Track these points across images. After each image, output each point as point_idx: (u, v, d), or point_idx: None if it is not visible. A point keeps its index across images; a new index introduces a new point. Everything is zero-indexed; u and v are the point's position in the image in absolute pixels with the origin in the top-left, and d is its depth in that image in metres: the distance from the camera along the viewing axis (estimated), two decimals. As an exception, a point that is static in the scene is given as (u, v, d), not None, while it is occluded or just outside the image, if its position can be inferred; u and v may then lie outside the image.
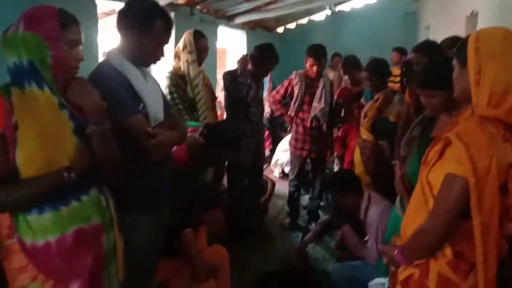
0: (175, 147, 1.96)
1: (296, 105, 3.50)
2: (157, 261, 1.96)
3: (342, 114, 4.07)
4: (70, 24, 1.25)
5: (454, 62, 1.30)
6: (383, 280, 1.87)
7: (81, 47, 1.31)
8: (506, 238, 1.20)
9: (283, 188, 4.33)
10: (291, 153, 3.77)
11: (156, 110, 1.73)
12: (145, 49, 1.62)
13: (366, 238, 2.55)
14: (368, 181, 3.15)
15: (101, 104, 1.28)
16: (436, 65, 1.71)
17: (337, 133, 4.15)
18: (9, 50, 1.19)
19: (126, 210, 1.59)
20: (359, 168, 3.24)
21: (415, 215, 1.28)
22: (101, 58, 2.24)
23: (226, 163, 2.98)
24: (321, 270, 2.98)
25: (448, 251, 1.20)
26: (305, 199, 4.20)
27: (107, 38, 3.31)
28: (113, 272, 1.37)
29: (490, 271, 1.16)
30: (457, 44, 1.33)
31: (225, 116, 3.42)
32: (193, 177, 2.38)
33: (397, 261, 1.33)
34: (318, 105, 3.42)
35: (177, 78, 2.65)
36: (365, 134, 3.17)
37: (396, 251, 1.33)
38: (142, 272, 1.79)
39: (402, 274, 1.33)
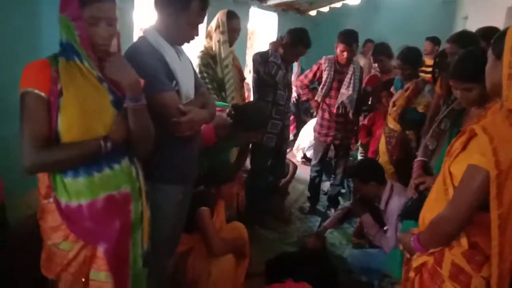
0: (203, 126, 2.03)
1: (323, 91, 3.49)
2: (181, 233, 2.07)
3: (370, 102, 4.04)
4: (91, 2, 1.23)
5: (489, 53, 1.28)
6: None
7: (113, 24, 1.30)
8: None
9: (304, 172, 4.36)
10: (315, 138, 3.78)
11: (188, 88, 1.79)
12: (180, 28, 1.67)
13: (385, 228, 2.57)
14: (391, 170, 3.14)
15: (138, 81, 1.33)
16: (474, 57, 1.67)
17: (363, 121, 4.12)
18: (60, 28, 1.29)
19: (156, 180, 1.70)
20: (383, 158, 3.23)
21: (434, 204, 1.30)
22: (136, 36, 2.31)
23: (251, 143, 3.03)
24: (337, 255, 3.03)
25: (464, 241, 1.22)
26: (326, 185, 4.22)
27: (144, 16, 3.37)
28: (138, 240, 1.44)
29: (504, 264, 1.17)
30: (491, 35, 1.31)
31: (252, 98, 3.46)
32: (217, 156, 2.46)
33: (413, 248, 1.36)
34: (346, 92, 3.40)
35: (208, 58, 2.69)
36: (392, 124, 3.14)
37: (413, 238, 1.36)
38: (168, 242, 1.90)
39: (416, 261, 1.36)
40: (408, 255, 1.45)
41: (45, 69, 1.26)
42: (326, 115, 3.56)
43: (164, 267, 1.97)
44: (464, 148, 1.21)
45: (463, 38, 2.42)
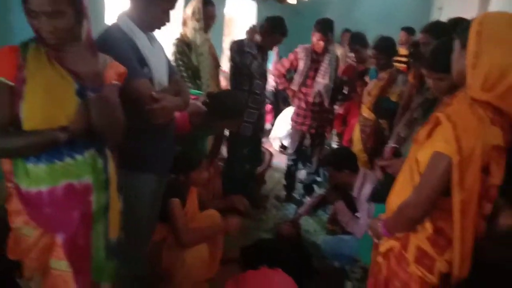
0: (177, 114, 2.01)
1: (300, 80, 3.50)
2: (156, 222, 2.06)
3: (345, 92, 4.09)
4: None
5: (456, 42, 1.31)
6: None
7: (58, 17, 1.23)
8: (484, 217, 1.26)
9: (281, 161, 4.40)
10: (291, 127, 3.81)
11: (161, 75, 1.77)
12: (152, 14, 1.65)
13: (358, 215, 2.64)
14: (365, 159, 3.22)
15: (97, 71, 1.31)
16: (446, 48, 1.70)
17: (338, 110, 4.17)
18: None
19: (130, 169, 1.69)
20: (357, 146, 3.29)
21: (401, 190, 1.34)
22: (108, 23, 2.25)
23: (228, 132, 3.03)
24: (311, 241, 3.08)
25: (428, 226, 1.27)
26: (302, 173, 4.27)
27: (116, 2, 3.28)
28: (100, 231, 1.42)
29: (466, 247, 1.23)
30: (460, 26, 1.34)
31: (229, 87, 3.44)
32: (192, 144, 2.44)
33: (380, 233, 1.40)
34: (321, 81, 3.42)
35: (183, 45, 2.65)
36: (366, 113, 3.20)
37: (380, 224, 1.40)
38: (143, 231, 1.89)
39: (383, 246, 1.41)
40: (376, 240, 1.49)
41: (12, 56, 1.24)
42: (302, 104, 3.58)
43: (139, 256, 1.96)
44: (429, 135, 1.25)
45: (436, 28, 2.47)
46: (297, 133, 3.71)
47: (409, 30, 5.07)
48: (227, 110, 2.31)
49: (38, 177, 1.30)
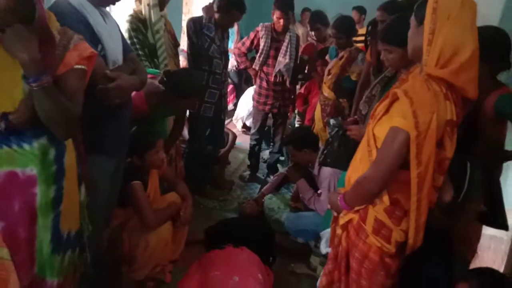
0: (133, 94, 1.93)
1: (261, 59, 3.47)
2: (115, 206, 2.00)
3: (306, 71, 4.11)
4: None
5: (412, 19, 1.34)
6: None
7: None
8: (436, 189, 1.32)
9: (244, 141, 4.39)
10: (253, 107, 3.79)
11: (115, 53, 1.69)
12: None
13: (319, 192, 2.69)
14: (326, 137, 3.26)
15: (36, 57, 1.17)
16: (397, 22, 1.75)
17: (299, 89, 4.19)
18: None
19: (86, 151, 1.61)
20: (319, 125, 3.34)
21: (359, 165, 1.38)
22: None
23: (188, 113, 2.96)
24: (275, 219, 3.12)
25: (385, 198, 1.31)
26: (265, 153, 4.30)
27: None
28: (47, 224, 1.34)
29: (421, 218, 1.29)
30: (414, 4, 1.37)
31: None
32: (151, 125, 2.37)
33: (340, 206, 1.44)
34: (282, 60, 3.41)
35: (138, 22, 2.53)
36: (326, 92, 3.23)
37: (339, 197, 1.44)
38: (102, 214, 1.82)
39: (343, 219, 1.45)
40: (335, 214, 1.53)
41: None
42: (264, 84, 3.57)
43: (99, 240, 1.91)
44: (387, 111, 1.28)
45: (392, 5, 2.52)
46: (259, 113, 3.71)
47: (359, 10, 5.15)
48: (184, 89, 2.24)
49: None
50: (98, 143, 1.67)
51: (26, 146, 1.25)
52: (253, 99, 3.75)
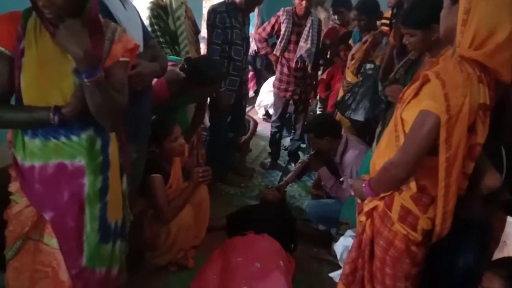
0: (154, 81, 1.94)
1: (282, 44, 3.42)
2: (136, 193, 2.02)
3: (328, 56, 4.02)
4: None
5: None
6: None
7: None
8: (466, 176, 1.27)
9: (266, 129, 4.37)
10: (274, 94, 3.75)
11: (135, 40, 1.68)
12: None
13: (341, 180, 2.66)
14: (348, 124, 3.20)
15: (90, 52, 1.16)
16: (417, 4, 1.68)
17: (322, 75, 4.12)
18: None
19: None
20: (341, 111, 3.27)
21: (385, 151, 1.33)
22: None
23: (209, 100, 2.95)
24: (296, 206, 3.12)
25: (412, 185, 1.27)
26: (286, 140, 4.27)
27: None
28: (95, 214, 1.37)
29: (448, 205, 1.24)
30: None
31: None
32: (173, 113, 2.38)
33: (364, 193, 1.40)
34: (304, 45, 3.35)
35: (158, 9, 2.51)
36: (350, 77, 3.15)
37: (364, 184, 1.40)
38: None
39: (367, 206, 1.41)
40: (359, 201, 1.50)
41: (12, 24, 1.18)
42: (285, 70, 3.51)
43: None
44: (416, 94, 1.23)
45: None
46: (280, 100, 3.66)
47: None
48: (205, 76, 2.23)
49: (32, 152, 1.27)
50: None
51: (74, 138, 1.28)
52: (274, 85, 3.70)
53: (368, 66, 2.13)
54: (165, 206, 2.12)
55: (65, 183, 1.30)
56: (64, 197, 1.30)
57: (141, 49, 1.71)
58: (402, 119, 1.27)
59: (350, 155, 2.53)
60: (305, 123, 3.73)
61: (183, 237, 2.20)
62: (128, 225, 1.58)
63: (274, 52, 3.51)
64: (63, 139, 1.27)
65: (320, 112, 4.30)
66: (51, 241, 1.33)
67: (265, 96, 5.08)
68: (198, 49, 2.95)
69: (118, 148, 1.44)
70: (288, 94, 3.58)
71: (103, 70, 1.22)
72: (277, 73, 3.63)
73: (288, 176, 3.14)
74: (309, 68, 3.48)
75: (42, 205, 1.30)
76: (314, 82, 3.82)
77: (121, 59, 1.30)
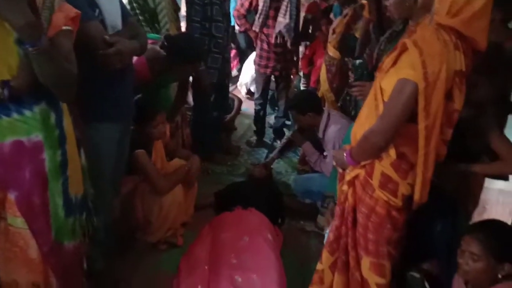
0: (135, 60, 1.91)
1: (260, 20, 3.37)
2: (123, 172, 2.02)
3: (310, 31, 4.01)
4: None
5: None
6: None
7: None
8: (445, 143, 1.31)
9: (250, 107, 4.37)
10: (255, 71, 3.73)
11: (114, 18, 1.66)
12: None
13: (324, 154, 2.70)
14: (332, 99, 3.23)
15: (32, 21, 1.13)
16: None
17: (304, 51, 4.11)
18: None
19: (90, 119, 1.63)
20: (324, 86, 3.29)
21: (366, 120, 1.36)
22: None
23: (191, 79, 2.93)
24: (282, 182, 3.16)
25: (392, 152, 1.30)
26: (271, 118, 4.28)
27: None
28: (58, 189, 1.36)
29: (428, 171, 1.28)
30: None
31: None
32: (156, 92, 2.36)
33: (346, 162, 1.44)
34: (283, 20, 3.31)
35: (136, -14, 2.47)
36: (332, 51, 3.16)
37: (345, 153, 1.43)
38: (111, 182, 1.85)
39: (349, 175, 1.45)
40: (341, 170, 1.53)
41: None
42: (265, 46, 3.49)
43: (110, 208, 1.94)
44: (395, 63, 1.25)
45: None
46: (261, 77, 3.65)
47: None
48: (185, 54, 2.20)
49: None
50: (101, 110, 1.68)
51: (27, 113, 1.25)
52: (254, 62, 3.68)
53: (358, 62, 2.14)
54: (158, 177, 2.14)
55: (25, 161, 1.27)
56: (26, 175, 1.28)
57: (119, 27, 1.68)
58: (381, 88, 1.29)
59: (332, 130, 2.57)
60: (288, 99, 3.74)
61: (175, 213, 2.23)
62: (89, 199, 1.57)
63: (253, 28, 3.47)
64: (15, 115, 1.23)
65: (303, 88, 4.31)
66: (15, 221, 1.31)
67: (246, 74, 5.05)
68: (178, 27, 2.90)
69: (72, 122, 1.42)
70: (269, 70, 3.56)
71: (47, 38, 1.19)
72: (257, 49, 3.60)
73: (274, 152, 3.18)
74: (288, 44, 3.45)
75: (5, 186, 1.28)
76: (295, 58, 3.80)
77: (64, 28, 1.26)
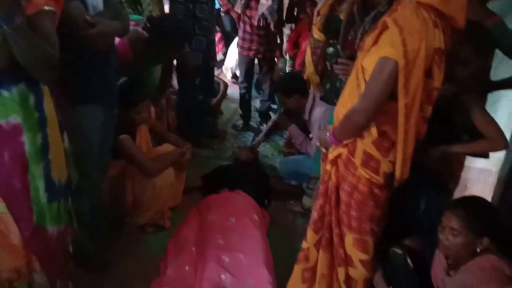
0: (117, 41, 1.88)
1: (243, 1, 3.34)
2: (109, 155, 2.00)
3: (295, 13, 3.98)
4: None
5: None
6: None
7: None
8: (425, 120, 1.33)
9: (236, 91, 4.34)
10: (238, 53, 3.70)
11: (96, -2, 1.62)
12: None
13: (310, 136, 2.72)
14: (317, 81, 3.22)
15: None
16: None
17: (290, 33, 4.09)
18: None
19: (73, 102, 1.61)
20: (309, 69, 3.26)
21: (348, 99, 1.37)
22: None
23: (176, 62, 2.90)
24: (269, 165, 3.19)
25: (373, 131, 1.32)
26: (257, 102, 4.28)
27: None
28: (39, 173, 1.34)
29: (408, 148, 1.31)
30: None
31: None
32: (139, 75, 2.33)
33: (329, 142, 1.46)
34: (265, 2, 3.28)
35: (117, -34, 2.41)
36: (316, 34, 3.13)
37: (329, 133, 1.45)
38: (96, 165, 1.84)
39: (332, 154, 1.47)
40: (324, 150, 1.55)
41: None
42: (248, 28, 3.46)
43: (96, 191, 1.93)
44: (376, 41, 1.26)
45: None
46: (244, 59, 3.63)
47: None
48: (168, 34, 2.18)
49: None
50: (84, 92, 1.66)
51: (5, 93, 1.22)
52: (238, 44, 3.65)
53: (331, 50, 2.14)
54: (145, 160, 2.14)
55: (3, 144, 1.25)
56: (5, 158, 1.25)
57: (101, 7, 1.65)
58: (362, 67, 1.30)
59: (317, 112, 2.59)
60: (272, 83, 3.73)
61: (166, 193, 2.24)
62: (73, 184, 1.56)
63: (235, 9, 3.44)
64: None
65: (289, 71, 4.30)
66: None
67: (233, 58, 5.01)
68: (162, 8, 2.86)
69: (54, 105, 1.39)
70: (252, 53, 3.54)
71: (24, 16, 1.15)
72: (240, 31, 3.57)
73: (260, 135, 3.19)
74: (272, 26, 3.43)
75: None
76: (280, 41, 3.78)
77: (46, 8, 1.23)
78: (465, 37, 1.35)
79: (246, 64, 3.63)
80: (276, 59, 3.88)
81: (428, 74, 1.24)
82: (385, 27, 1.22)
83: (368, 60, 1.27)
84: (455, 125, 1.61)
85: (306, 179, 2.52)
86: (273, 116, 3.93)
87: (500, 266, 1.24)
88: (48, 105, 1.35)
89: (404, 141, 1.29)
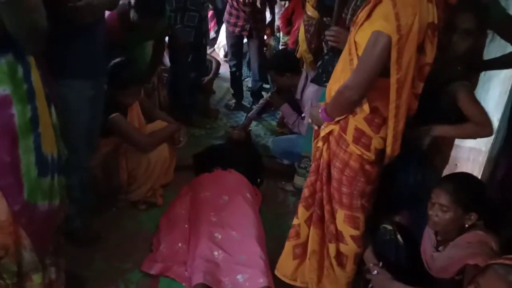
0: (106, 15, 1.84)
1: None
2: (98, 131, 1.98)
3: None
4: None
5: None
6: None
7: None
8: (416, 96, 1.33)
9: (228, 70, 4.30)
10: (226, 28, 3.64)
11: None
12: None
13: (302, 115, 2.71)
14: (311, 59, 3.19)
15: None
16: None
17: (283, 11, 4.03)
18: None
19: (61, 76, 1.57)
20: (302, 46, 3.23)
21: (341, 75, 1.36)
22: None
23: (167, 39, 2.84)
24: (261, 144, 3.19)
25: (365, 107, 1.32)
26: (250, 81, 4.24)
27: None
28: (29, 146, 1.30)
29: (399, 124, 1.31)
30: None
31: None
32: (131, 51, 2.29)
33: (321, 118, 1.45)
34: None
35: None
36: (310, 11, 3.09)
37: (321, 110, 1.44)
38: (85, 140, 1.82)
39: (323, 131, 1.46)
40: (316, 127, 1.55)
41: None
42: (234, 3, 3.39)
43: (85, 166, 1.92)
44: (369, 16, 1.24)
45: None
46: (230, 35, 3.57)
47: None
48: (153, 5, 2.12)
49: None
50: (72, 66, 1.63)
51: None
52: (224, 19, 3.59)
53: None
54: (139, 134, 2.14)
55: None
56: None
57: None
58: (355, 42, 1.28)
59: (310, 90, 2.57)
60: (264, 61, 3.68)
61: (160, 168, 2.25)
62: (63, 159, 1.53)
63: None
64: None
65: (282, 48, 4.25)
66: None
67: (224, 36, 4.92)
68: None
69: (40, 77, 1.35)
70: (237, 29, 3.47)
71: None
72: (227, 6, 3.50)
73: (251, 113, 3.17)
74: (258, 3, 3.36)
75: None
76: (271, 18, 3.72)
77: None
78: (465, 6, 1.33)
79: (231, 39, 3.58)
80: (266, 37, 3.82)
81: (420, 49, 1.22)
82: (378, 1, 1.20)
83: (361, 35, 1.25)
84: (443, 104, 1.60)
85: (298, 158, 2.52)
86: (265, 96, 3.92)
87: (486, 241, 1.27)
88: (36, 77, 1.32)
89: (395, 117, 1.29)
